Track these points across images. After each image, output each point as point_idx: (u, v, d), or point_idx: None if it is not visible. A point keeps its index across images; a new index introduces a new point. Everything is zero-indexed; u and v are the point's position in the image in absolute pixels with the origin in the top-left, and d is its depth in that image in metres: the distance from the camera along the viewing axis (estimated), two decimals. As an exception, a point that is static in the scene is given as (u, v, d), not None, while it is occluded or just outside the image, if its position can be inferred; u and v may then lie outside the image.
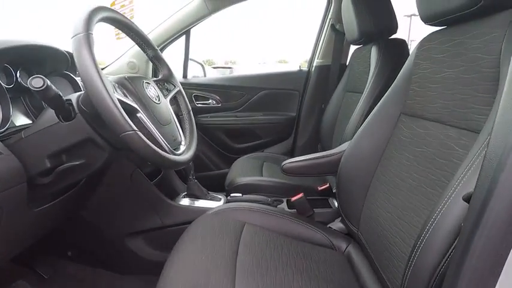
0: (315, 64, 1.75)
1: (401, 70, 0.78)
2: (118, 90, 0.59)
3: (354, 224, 0.83)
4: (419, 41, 0.74)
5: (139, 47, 0.79)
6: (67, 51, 0.84)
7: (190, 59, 2.03)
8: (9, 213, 0.61)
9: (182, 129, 0.84)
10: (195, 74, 2.80)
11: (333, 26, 1.62)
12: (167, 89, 0.83)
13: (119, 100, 0.56)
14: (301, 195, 1.02)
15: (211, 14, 1.57)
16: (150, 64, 1.74)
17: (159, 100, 0.73)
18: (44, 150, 0.62)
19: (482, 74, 0.51)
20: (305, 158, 1.00)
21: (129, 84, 0.66)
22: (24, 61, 0.74)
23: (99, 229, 1.05)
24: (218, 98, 1.81)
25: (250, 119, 1.81)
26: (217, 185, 1.77)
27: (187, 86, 1.81)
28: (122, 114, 0.54)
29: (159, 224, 1.06)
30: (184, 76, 1.86)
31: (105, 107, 0.52)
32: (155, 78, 0.83)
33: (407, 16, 12.66)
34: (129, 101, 0.62)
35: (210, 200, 1.12)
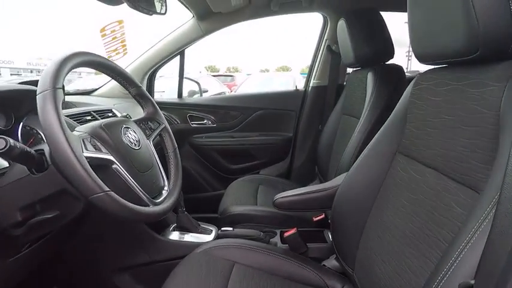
0: (311, 84, 1.72)
1: (397, 105, 0.74)
2: (89, 144, 0.55)
3: (349, 265, 0.79)
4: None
5: (121, 85, 0.76)
6: None
7: (186, 78, 2.01)
8: None
9: (167, 170, 0.80)
10: (193, 88, 2.79)
11: (329, 47, 1.59)
12: (151, 128, 0.80)
13: (89, 158, 0.53)
14: (293, 230, 0.97)
15: (205, 35, 1.55)
16: (145, 84, 1.72)
17: (139, 145, 0.69)
18: (15, 202, 0.59)
19: (482, 129, 0.47)
20: (298, 192, 0.96)
21: (104, 133, 0.62)
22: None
23: (85, 265, 1.01)
24: (213, 118, 1.78)
25: (246, 140, 1.77)
26: (211, 207, 1.74)
27: (182, 106, 1.78)
28: (89, 175, 0.50)
29: (147, 259, 1.02)
30: (179, 96, 1.83)
31: (70, 169, 0.49)
32: (138, 117, 0.80)
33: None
34: (102, 154, 0.58)
35: (201, 233, 1.08)
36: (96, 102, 1.26)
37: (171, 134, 0.87)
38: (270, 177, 1.59)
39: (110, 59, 1.54)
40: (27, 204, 0.59)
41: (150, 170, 0.70)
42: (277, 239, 1.06)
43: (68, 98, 1.24)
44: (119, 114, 1.21)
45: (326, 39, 1.61)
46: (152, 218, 0.64)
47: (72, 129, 0.60)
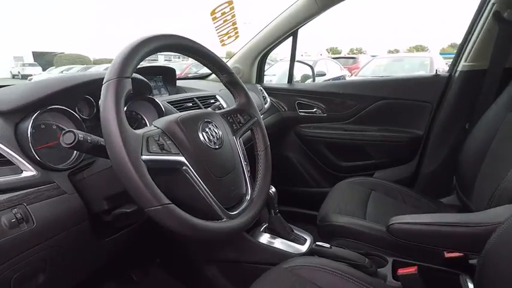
0: (460, 68, 1.28)
1: None
2: (155, 144, 0.48)
3: None
4: None
5: (210, 70, 0.67)
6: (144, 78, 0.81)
7: (299, 61, 1.86)
8: (69, 250, 0.60)
9: (254, 171, 0.69)
10: (306, 72, 2.61)
11: (497, 14, 1.12)
12: (239, 122, 0.69)
13: (150, 161, 0.45)
14: (413, 269, 0.72)
15: (321, 11, 1.34)
16: (255, 69, 1.66)
17: (220, 143, 0.59)
18: (101, 192, 0.59)
19: None
20: (427, 221, 0.69)
21: (178, 130, 0.53)
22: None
23: (176, 251, 1.04)
24: (324, 106, 1.58)
25: (360, 134, 1.51)
26: (311, 204, 1.58)
27: (291, 92, 1.65)
28: (144, 183, 0.43)
29: (233, 257, 0.96)
30: (289, 81, 1.70)
31: (124, 175, 0.42)
32: (224, 110, 0.70)
33: None
34: (171, 156, 0.50)
35: (293, 241, 0.94)
36: (205, 88, 1.26)
37: (264, 129, 0.75)
38: (387, 183, 1.29)
39: (222, 43, 1.55)
40: (111, 195, 0.59)
41: (230, 174, 0.60)
42: (387, 271, 0.82)
43: (181, 83, 1.28)
44: (222, 101, 1.17)
45: (493, 3, 1.14)
46: (223, 236, 0.54)
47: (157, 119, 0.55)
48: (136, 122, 0.83)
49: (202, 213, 0.50)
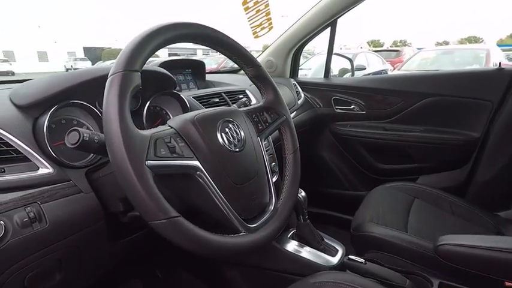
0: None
1: None
2: (164, 147, 0.42)
3: None
4: None
5: (235, 62, 0.61)
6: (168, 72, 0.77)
7: (337, 54, 1.74)
8: (84, 250, 0.58)
9: (281, 177, 0.62)
10: (345, 66, 2.46)
11: None
12: (266, 121, 0.62)
13: (157, 166, 0.40)
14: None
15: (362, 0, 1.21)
16: (289, 62, 1.58)
17: (241, 145, 0.53)
18: (116, 193, 0.55)
19: None
20: (487, 245, 0.57)
21: (194, 130, 0.47)
22: None
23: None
24: (363, 103, 1.45)
25: (404, 135, 1.37)
26: (345, 207, 1.48)
27: (327, 87, 1.54)
28: (148, 193, 0.38)
29: (257, 262, 0.91)
30: (326, 75, 1.59)
31: (126, 183, 0.38)
32: (249, 107, 0.63)
33: None
34: (182, 160, 0.44)
35: (322, 251, 0.86)
36: (235, 82, 1.21)
37: (294, 129, 0.67)
38: (433, 190, 1.15)
39: (255, 35, 1.48)
40: (125, 197, 0.55)
41: (251, 181, 0.54)
42: (432, 295, 0.72)
43: (210, 77, 1.24)
44: (252, 97, 1.11)
45: None
46: (240, 253, 0.48)
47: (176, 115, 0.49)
48: (161, 117, 0.80)
49: (218, 225, 0.45)
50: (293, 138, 0.66)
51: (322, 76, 1.61)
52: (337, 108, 1.52)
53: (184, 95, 0.83)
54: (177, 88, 1.05)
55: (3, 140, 0.51)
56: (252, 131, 0.58)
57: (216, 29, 0.54)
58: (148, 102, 0.74)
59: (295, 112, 1.39)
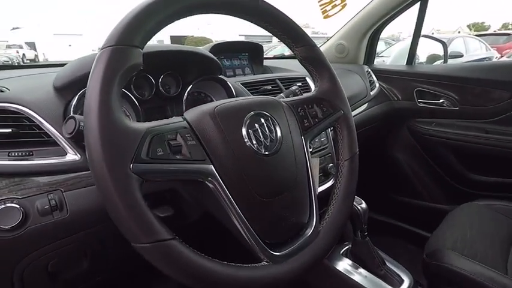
0: None
1: None
2: (162, 145, 0.32)
3: None
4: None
5: (281, 41, 0.49)
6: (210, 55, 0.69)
7: (426, 36, 1.45)
8: (108, 241, 0.55)
9: (331, 190, 0.48)
10: (436, 52, 2.08)
11: None
12: (315, 116, 0.48)
13: (149, 172, 0.31)
14: None
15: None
16: (364, 46, 1.37)
17: (275, 148, 0.40)
18: None
19: None
20: None
21: (212, 124, 0.37)
22: (166, 68, 0.66)
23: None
24: (456, 97, 1.17)
25: (510, 140, 1.06)
26: (422, 222, 1.24)
27: (409, 76, 1.29)
28: (130, 207, 0.29)
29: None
30: (409, 62, 1.34)
31: (102, 191, 0.29)
32: (298, 97, 0.50)
33: None
34: (188, 164, 0.34)
35: (382, 278, 0.70)
36: (296, 68, 1.08)
37: (353, 129, 0.52)
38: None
39: (324, 15, 1.30)
40: (145, 194, 0.49)
41: (284, 194, 0.41)
42: None
43: (269, 63, 1.13)
44: (312, 86, 0.97)
45: None
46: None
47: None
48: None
49: (232, 249, 0.35)
50: (351, 140, 0.51)
51: (404, 63, 1.35)
52: (420, 102, 1.26)
53: (231, 80, 0.75)
54: (231, 73, 0.98)
55: (35, 122, 0.50)
56: (295, 128, 0.45)
57: None
58: (190, 87, 0.67)
59: (366, 105, 1.19)
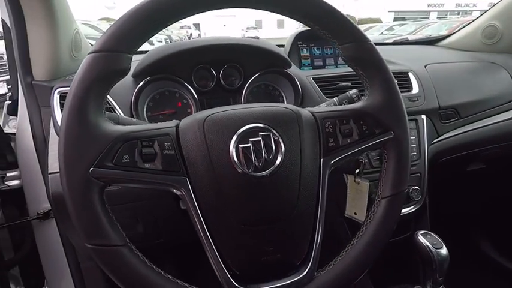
0: None
1: None
2: (132, 152, 0.31)
3: None
4: None
5: (321, 36, 0.38)
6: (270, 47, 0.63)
7: None
8: (162, 217, 0.62)
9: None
10: None
11: None
12: (348, 135, 0.37)
13: (113, 178, 0.31)
14: None
15: None
16: None
17: (269, 170, 0.33)
18: None
19: None
20: None
21: (198, 136, 0.34)
22: (227, 60, 0.65)
23: None
24: None
25: None
26: None
27: None
28: (81, 208, 0.30)
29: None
30: None
31: (63, 189, 0.30)
32: (330, 109, 0.39)
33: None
34: (158, 173, 0.32)
35: None
36: (402, 60, 0.87)
37: (407, 158, 0.38)
38: None
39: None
40: None
41: (272, 225, 0.34)
42: None
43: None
44: (415, 84, 0.76)
45: None
46: None
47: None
48: (273, 98, 0.69)
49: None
50: (399, 173, 0.37)
51: None
52: None
53: (306, 74, 0.68)
54: (319, 63, 0.88)
55: (112, 105, 0.59)
56: (311, 148, 0.36)
57: None
58: (250, 80, 0.64)
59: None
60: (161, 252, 0.82)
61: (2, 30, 0.65)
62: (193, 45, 0.60)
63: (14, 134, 0.70)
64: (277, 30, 27.34)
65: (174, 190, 0.33)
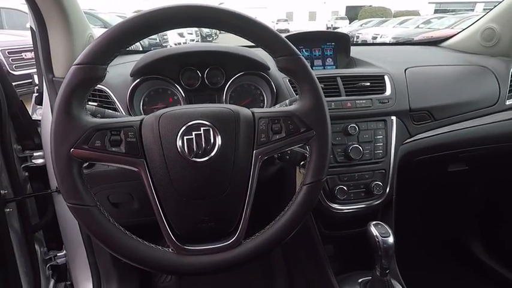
0: None
1: None
2: (102, 139, 0.42)
3: None
4: None
5: (261, 48, 0.46)
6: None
7: None
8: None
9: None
10: None
11: None
12: (277, 131, 0.44)
13: (87, 157, 0.41)
14: None
15: None
16: None
17: (208, 156, 0.43)
18: None
19: None
20: None
21: (154, 128, 0.44)
22: (210, 63, 0.73)
23: None
24: None
25: None
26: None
27: None
28: (64, 176, 0.40)
29: None
30: None
31: (52, 163, 0.41)
32: (267, 110, 0.47)
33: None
34: (121, 155, 0.43)
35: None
36: (383, 64, 0.91)
37: (326, 153, 0.45)
38: None
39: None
40: None
41: (209, 200, 0.44)
42: None
43: (368, 52, 0.99)
44: (388, 87, 0.81)
45: None
46: (156, 268, 0.42)
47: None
48: (254, 96, 0.78)
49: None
50: (318, 165, 0.45)
51: None
52: None
53: (278, 75, 0.75)
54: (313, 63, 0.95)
55: (112, 99, 0.71)
56: (245, 141, 0.45)
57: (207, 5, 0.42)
58: (230, 81, 0.73)
59: (493, 117, 0.88)
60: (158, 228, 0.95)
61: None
62: (180, 51, 0.70)
63: (40, 120, 0.85)
64: (308, 22, 26.90)
65: (134, 169, 0.44)
